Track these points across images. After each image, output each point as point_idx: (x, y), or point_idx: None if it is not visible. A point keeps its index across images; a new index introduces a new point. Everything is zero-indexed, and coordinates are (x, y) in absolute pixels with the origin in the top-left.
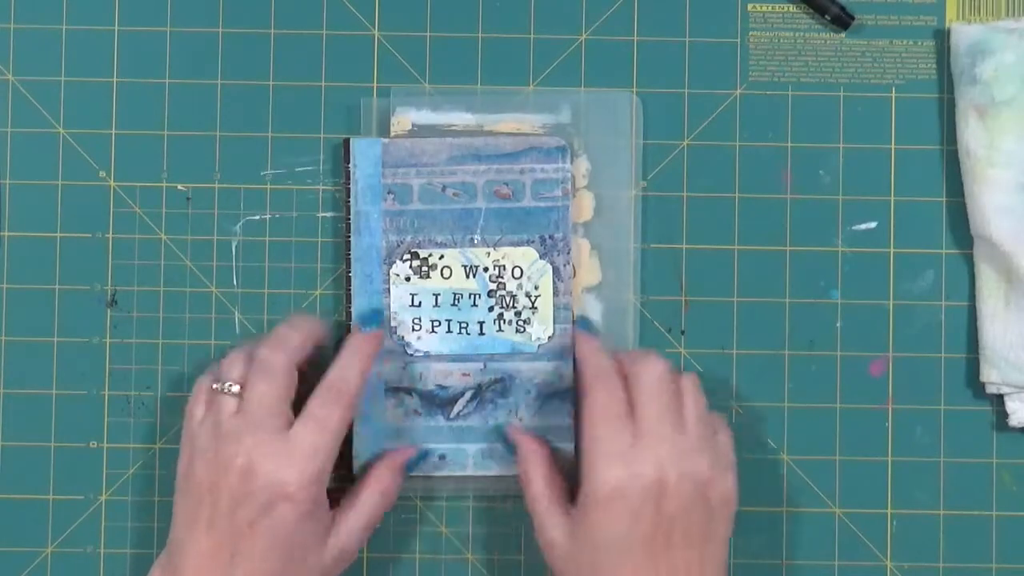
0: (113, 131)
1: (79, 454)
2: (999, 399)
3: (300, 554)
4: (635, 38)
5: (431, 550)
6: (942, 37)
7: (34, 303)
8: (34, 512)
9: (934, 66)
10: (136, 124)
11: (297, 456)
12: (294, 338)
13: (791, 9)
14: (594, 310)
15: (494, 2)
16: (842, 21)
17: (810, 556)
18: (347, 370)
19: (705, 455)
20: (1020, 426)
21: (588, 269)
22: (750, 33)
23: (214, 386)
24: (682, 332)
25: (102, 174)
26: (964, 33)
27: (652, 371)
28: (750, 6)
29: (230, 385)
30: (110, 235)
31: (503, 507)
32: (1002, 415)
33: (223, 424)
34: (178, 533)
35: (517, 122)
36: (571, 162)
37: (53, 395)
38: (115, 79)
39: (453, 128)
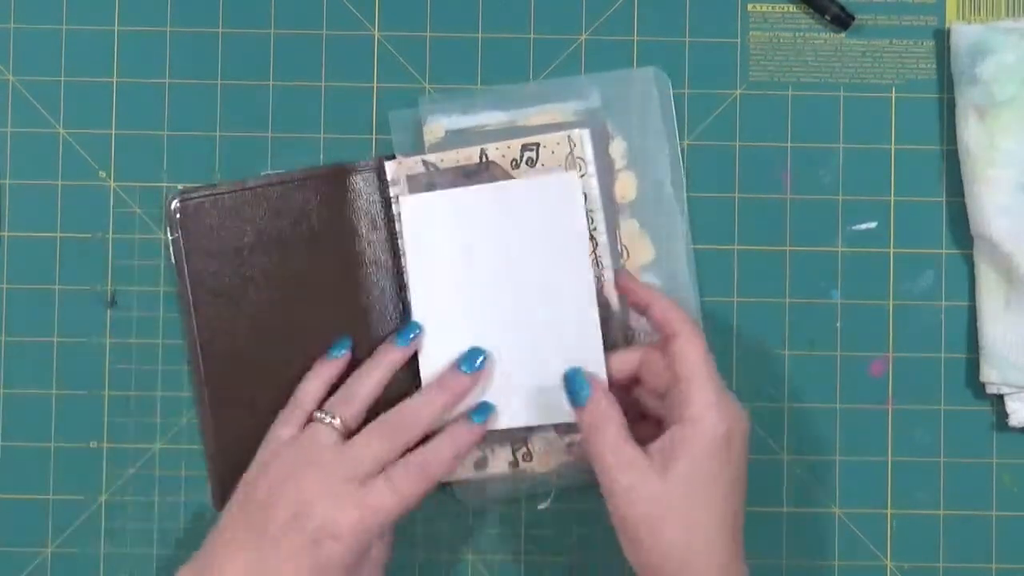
0: (113, 131)
1: (79, 454)
2: (999, 399)
3: None
4: (635, 38)
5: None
6: (942, 37)
7: (34, 303)
8: (34, 512)
9: (934, 66)
10: (136, 124)
11: (363, 507)
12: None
13: (791, 9)
14: (652, 287)
15: (494, 2)
16: (842, 21)
17: (810, 556)
18: (440, 452)
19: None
20: (1020, 426)
21: (641, 247)
22: (750, 33)
23: (317, 415)
24: None
25: (102, 174)
26: (964, 33)
27: (698, 334)
28: (750, 6)
29: (332, 418)
30: (110, 235)
31: (506, 510)
32: (1002, 415)
33: (312, 451)
34: (216, 544)
35: (549, 113)
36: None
37: (53, 395)
38: (115, 79)
39: (486, 128)
